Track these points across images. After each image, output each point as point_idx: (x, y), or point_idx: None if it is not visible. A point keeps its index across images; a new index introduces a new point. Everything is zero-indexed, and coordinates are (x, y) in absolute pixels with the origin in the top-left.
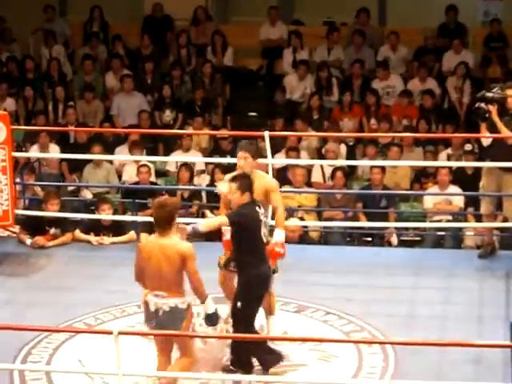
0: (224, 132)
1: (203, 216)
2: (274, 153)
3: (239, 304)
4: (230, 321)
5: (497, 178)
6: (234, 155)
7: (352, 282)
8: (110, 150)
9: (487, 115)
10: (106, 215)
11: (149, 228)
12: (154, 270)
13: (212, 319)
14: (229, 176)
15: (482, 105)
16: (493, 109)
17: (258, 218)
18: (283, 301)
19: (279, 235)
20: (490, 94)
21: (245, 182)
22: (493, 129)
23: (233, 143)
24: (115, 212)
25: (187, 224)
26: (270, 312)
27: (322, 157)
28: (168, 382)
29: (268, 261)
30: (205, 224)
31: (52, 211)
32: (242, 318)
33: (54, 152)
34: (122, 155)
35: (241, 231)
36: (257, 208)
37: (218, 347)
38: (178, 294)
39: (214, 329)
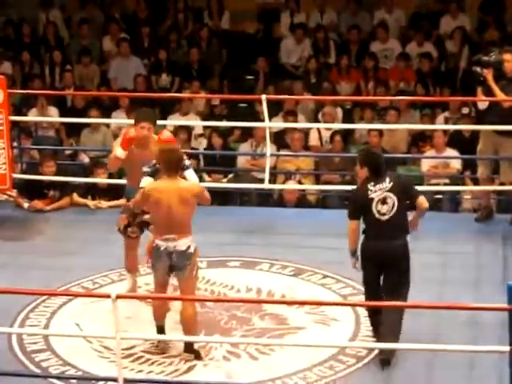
0: (221, 96)
1: (200, 179)
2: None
3: None
4: None
5: (493, 141)
6: (229, 119)
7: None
8: (106, 113)
9: (482, 79)
10: (101, 179)
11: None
12: (165, 213)
13: None
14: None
15: (478, 69)
16: (488, 73)
17: None
18: (281, 264)
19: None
20: (485, 58)
21: None
22: (489, 93)
23: (228, 108)
24: (111, 176)
25: None
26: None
27: (318, 120)
28: (159, 305)
29: None
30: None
31: (48, 174)
32: None
33: (53, 114)
34: (118, 119)
35: None
36: None
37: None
38: (187, 235)
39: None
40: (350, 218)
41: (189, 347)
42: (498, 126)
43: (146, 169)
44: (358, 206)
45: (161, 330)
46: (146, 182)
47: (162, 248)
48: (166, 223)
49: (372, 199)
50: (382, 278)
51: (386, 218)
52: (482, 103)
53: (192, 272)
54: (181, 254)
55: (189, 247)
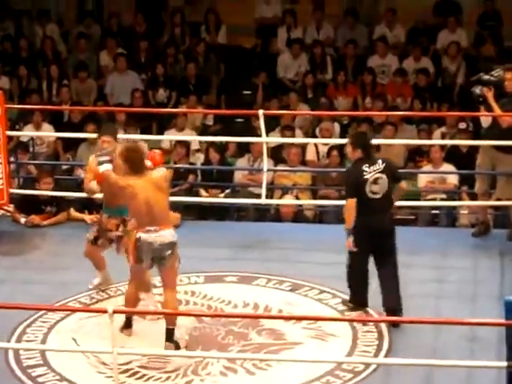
0: (218, 111)
1: (197, 194)
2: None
3: None
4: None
5: (492, 157)
6: (226, 134)
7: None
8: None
9: (481, 99)
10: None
11: None
12: (144, 207)
13: None
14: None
15: (477, 90)
16: (488, 92)
17: None
18: (278, 279)
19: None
20: (486, 77)
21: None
22: (491, 111)
23: (225, 123)
24: None
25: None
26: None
27: (315, 135)
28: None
29: None
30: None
31: (45, 190)
32: None
33: (48, 131)
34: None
35: None
36: None
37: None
38: (168, 226)
39: None
40: (349, 196)
41: (169, 336)
42: (496, 141)
43: (102, 158)
44: (354, 186)
45: (129, 321)
46: (106, 167)
47: (145, 240)
48: (146, 216)
49: (366, 180)
50: (373, 250)
51: (377, 196)
52: (486, 121)
53: (174, 262)
54: (163, 244)
55: (171, 237)
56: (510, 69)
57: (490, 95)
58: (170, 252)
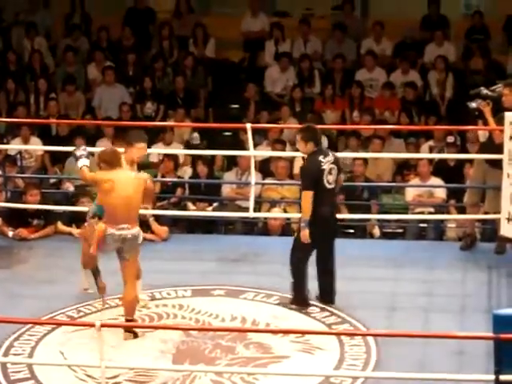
0: (206, 124)
1: (185, 208)
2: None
3: None
4: None
5: (483, 170)
6: (214, 148)
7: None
8: (91, 142)
9: (477, 113)
10: (86, 207)
11: None
12: (123, 204)
13: None
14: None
15: (473, 103)
16: (486, 106)
17: None
18: (265, 293)
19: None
20: (485, 92)
21: None
22: (488, 126)
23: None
24: None
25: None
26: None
27: None
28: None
29: None
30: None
31: (32, 202)
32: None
33: (36, 145)
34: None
35: None
36: None
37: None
38: (136, 224)
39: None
40: (308, 189)
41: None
42: (488, 155)
43: (80, 152)
44: (314, 177)
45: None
46: (83, 163)
47: (115, 236)
48: (122, 212)
49: (324, 170)
50: (324, 241)
51: (331, 186)
52: (483, 135)
53: (136, 256)
54: (131, 240)
55: (138, 235)
56: (509, 85)
57: (487, 110)
58: (134, 248)
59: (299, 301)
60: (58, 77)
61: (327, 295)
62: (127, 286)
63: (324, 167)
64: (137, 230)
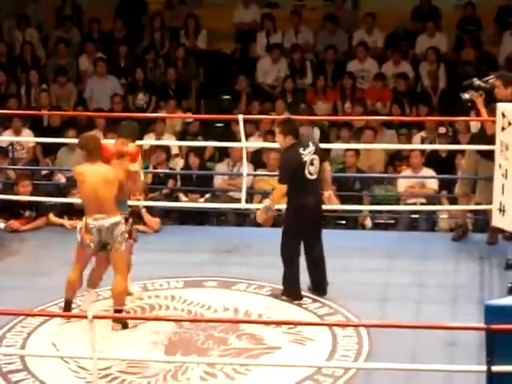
0: (198, 116)
1: (177, 199)
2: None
3: None
4: None
5: (475, 161)
6: (205, 137)
7: (326, 264)
8: (83, 133)
9: (470, 104)
10: (77, 199)
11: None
12: (92, 195)
13: None
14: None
15: (466, 95)
16: (478, 97)
17: None
18: (258, 284)
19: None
20: (477, 83)
21: None
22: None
23: (204, 127)
24: None
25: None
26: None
27: None
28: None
29: None
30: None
31: (24, 193)
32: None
33: (28, 137)
34: None
35: None
36: None
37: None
38: (115, 213)
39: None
40: (283, 182)
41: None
42: (480, 146)
43: None
44: (293, 169)
45: (68, 304)
46: None
47: (92, 226)
48: (94, 204)
49: (305, 162)
50: (308, 232)
51: (313, 177)
52: (474, 126)
53: (121, 246)
54: (110, 230)
55: (117, 224)
56: (501, 76)
57: (479, 101)
58: (116, 238)
59: (291, 293)
60: (50, 68)
61: (319, 286)
62: (116, 277)
63: (305, 159)
64: (114, 219)
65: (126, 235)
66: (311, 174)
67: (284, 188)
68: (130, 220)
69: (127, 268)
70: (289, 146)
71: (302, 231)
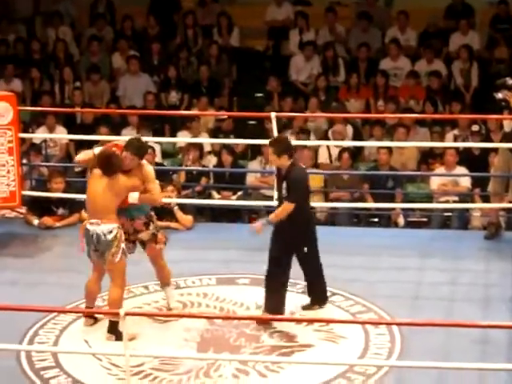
0: (231, 113)
1: (210, 196)
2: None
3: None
4: None
5: (508, 159)
6: (237, 135)
7: (358, 263)
8: (116, 131)
9: (504, 104)
10: None
11: None
12: (91, 198)
13: None
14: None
15: (500, 94)
16: (511, 97)
17: None
18: (290, 281)
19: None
20: (510, 82)
21: None
22: None
23: (237, 125)
24: None
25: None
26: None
27: (328, 138)
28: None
29: None
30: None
31: (56, 190)
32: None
33: (61, 134)
34: (128, 136)
35: None
36: None
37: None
38: (110, 221)
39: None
40: (295, 202)
41: (111, 327)
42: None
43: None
44: (306, 187)
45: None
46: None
47: (88, 231)
48: (91, 208)
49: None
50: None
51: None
52: (508, 125)
53: (115, 256)
54: (100, 238)
55: (109, 233)
56: None
57: None
58: (107, 247)
59: (274, 311)
60: (83, 66)
61: (323, 296)
62: (110, 290)
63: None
64: (107, 226)
65: (123, 245)
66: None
67: (292, 207)
68: (153, 224)
69: (123, 277)
70: (287, 165)
71: (302, 245)
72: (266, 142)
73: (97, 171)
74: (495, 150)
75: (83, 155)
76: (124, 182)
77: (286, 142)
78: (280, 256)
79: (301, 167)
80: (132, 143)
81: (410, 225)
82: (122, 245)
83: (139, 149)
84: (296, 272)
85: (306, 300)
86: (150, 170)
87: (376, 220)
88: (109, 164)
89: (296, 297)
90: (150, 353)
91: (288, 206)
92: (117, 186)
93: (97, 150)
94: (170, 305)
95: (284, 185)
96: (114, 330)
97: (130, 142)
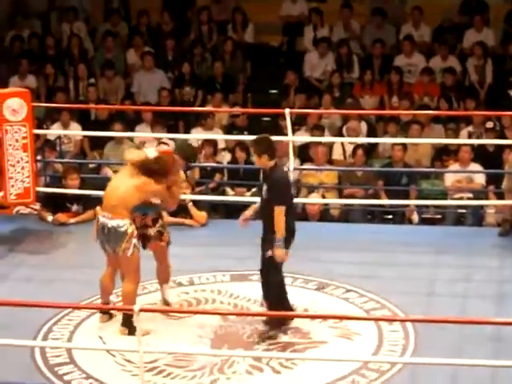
0: (245, 109)
1: (224, 193)
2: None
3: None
4: None
5: None
6: (251, 131)
7: (372, 259)
8: (130, 127)
9: None
10: None
11: None
12: (109, 190)
13: None
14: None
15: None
16: None
17: None
18: (304, 278)
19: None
20: None
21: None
22: None
23: (251, 121)
24: None
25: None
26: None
27: (343, 134)
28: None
29: None
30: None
31: (72, 186)
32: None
33: (76, 130)
34: (142, 133)
35: None
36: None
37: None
38: (122, 217)
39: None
40: (283, 204)
41: (125, 321)
42: None
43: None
44: (290, 190)
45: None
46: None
47: (100, 222)
48: (106, 200)
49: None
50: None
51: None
52: None
53: (126, 251)
54: (111, 231)
55: (119, 226)
56: None
57: None
58: (118, 241)
59: (278, 321)
60: (97, 62)
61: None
62: (123, 285)
63: (290, 179)
64: (118, 221)
65: (134, 240)
66: (294, 194)
67: (283, 210)
68: (160, 222)
69: (136, 272)
70: (272, 165)
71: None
72: (279, 138)
73: (129, 168)
74: (510, 146)
75: (134, 155)
76: (155, 187)
77: (267, 142)
78: (275, 266)
79: (282, 169)
80: (183, 148)
81: (424, 221)
82: (134, 240)
83: (190, 156)
84: (312, 267)
85: (320, 297)
86: (181, 175)
87: (390, 217)
88: (160, 169)
89: (310, 293)
90: (164, 349)
91: (279, 211)
92: (146, 188)
93: (149, 151)
94: (168, 301)
95: (264, 186)
96: (128, 324)
97: (180, 147)
